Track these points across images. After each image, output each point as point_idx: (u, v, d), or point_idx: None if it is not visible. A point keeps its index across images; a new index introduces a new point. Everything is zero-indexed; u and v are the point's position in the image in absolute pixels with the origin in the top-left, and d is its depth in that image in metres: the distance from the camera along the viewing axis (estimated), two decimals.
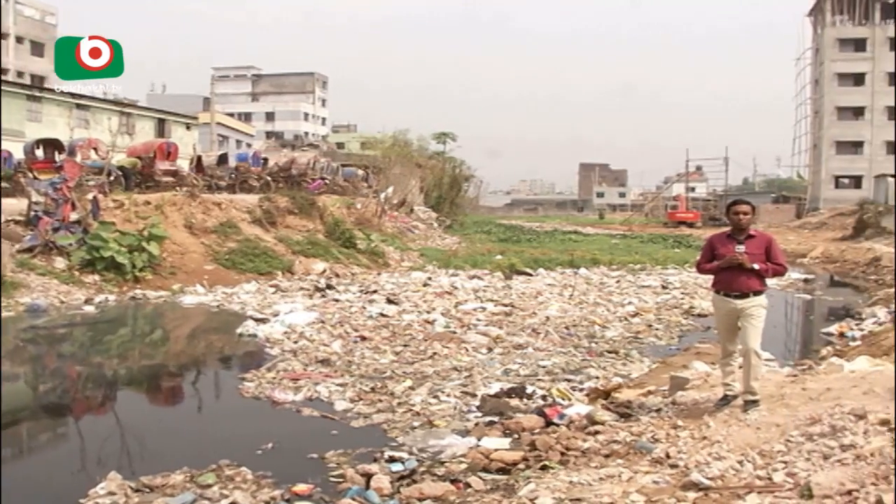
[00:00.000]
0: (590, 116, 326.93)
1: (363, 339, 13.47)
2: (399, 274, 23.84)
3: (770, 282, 7.79)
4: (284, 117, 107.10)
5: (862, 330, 15.36)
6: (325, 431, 8.39)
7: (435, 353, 12.41)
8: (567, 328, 15.25)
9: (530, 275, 24.49)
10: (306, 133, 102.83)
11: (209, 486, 6.55)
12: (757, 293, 7.35)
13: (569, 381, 10.87)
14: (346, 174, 42.76)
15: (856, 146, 74.97)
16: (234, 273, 21.08)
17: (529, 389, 9.91)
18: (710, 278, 7.79)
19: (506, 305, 17.63)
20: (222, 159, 34.39)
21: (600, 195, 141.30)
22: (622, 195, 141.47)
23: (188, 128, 53.98)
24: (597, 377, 11.16)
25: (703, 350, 12.89)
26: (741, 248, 7.34)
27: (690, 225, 70.22)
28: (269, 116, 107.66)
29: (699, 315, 17.44)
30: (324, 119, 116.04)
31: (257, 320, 15.00)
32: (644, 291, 21.53)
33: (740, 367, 7.42)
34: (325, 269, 22.98)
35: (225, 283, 20.07)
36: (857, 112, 74.98)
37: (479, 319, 15.73)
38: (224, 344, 14.28)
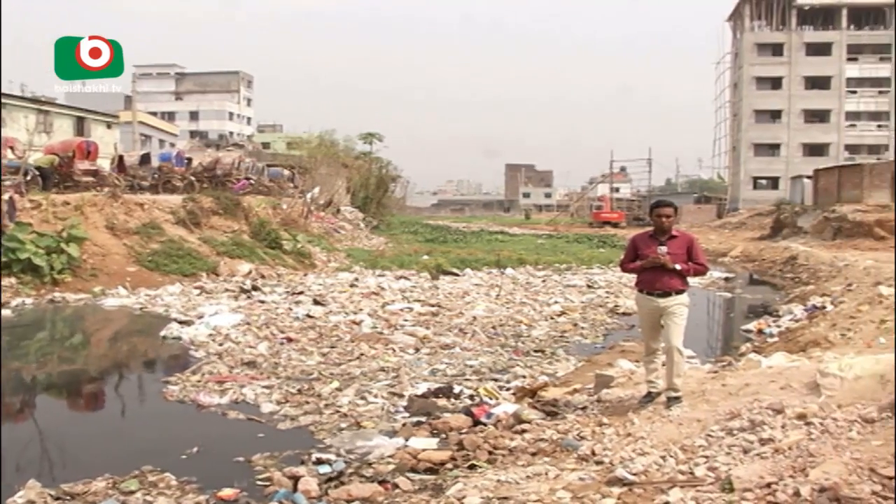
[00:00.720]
0: (515, 118, 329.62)
1: (290, 340, 13.34)
2: (326, 275, 23.69)
3: (692, 280, 7.95)
4: (209, 116, 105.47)
5: (779, 327, 15.77)
6: (252, 434, 8.29)
7: (362, 354, 12.34)
8: (494, 328, 15.32)
9: (457, 275, 24.55)
10: (231, 133, 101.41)
11: (132, 492, 6.42)
12: (679, 292, 7.48)
13: (496, 380, 10.92)
14: (272, 174, 42.29)
15: (773, 148, 76.99)
16: (157, 275, 20.67)
17: (457, 389, 9.93)
18: (634, 277, 7.90)
19: (433, 306, 17.64)
20: (144, 159, 33.71)
21: (526, 196, 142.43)
22: (548, 196, 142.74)
23: (109, 126, 52.71)
24: (523, 376, 11.23)
25: (627, 348, 13.08)
26: (663, 248, 7.45)
27: (615, 225, 71.19)
28: (193, 115, 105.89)
29: (624, 314, 17.69)
30: (249, 119, 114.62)
31: (181, 323, 14.74)
32: (570, 291, 21.77)
33: (663, 365, 7.55)
34: (250, 270, 22.70)
35: (148, 284, 19.68)
36: (775, 115, 77.02)
37: (406, 320, 15.71)
38: (147, 347, 14.00)
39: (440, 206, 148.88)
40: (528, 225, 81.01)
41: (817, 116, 76.28)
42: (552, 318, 16.92)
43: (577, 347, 14.00)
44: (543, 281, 24.12)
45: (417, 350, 12.92)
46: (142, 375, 12.34)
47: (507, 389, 10.27)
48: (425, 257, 29.10)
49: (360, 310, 16.63)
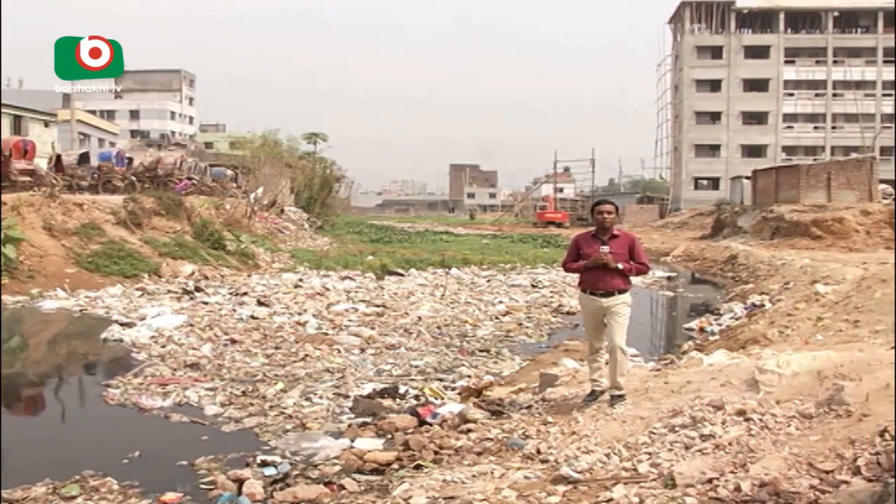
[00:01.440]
0: (459, 118, 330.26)
1: (233, 342, 13.20)
2: (270, 275, 23.48)
3: (635, 280, 8.04)
4: (150, 116, 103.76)
5: (720, 325, 16.04)
6: (195, 437, 8.19)
7: (307, 355, 12.27)
8: (439, 328, 15.36)
9: (402, 275, 24.52)
10: (173, 132, 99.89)
11: (73, 497, 6.30)
12: (621, 291, 7.54)
13: (441, 380, 10.96)
14: (215, 174, 41.81)
15: (713, 149, 78.34)
16: (97, 276, 20.27)
17: (402, 389, 9.92)
18: (577, 277, 7.95)
19: (378, 306, 17.61)
20: (84, 158, 33.05)
21: (471, 196, 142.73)
22: (493, 196, 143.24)
23: (47, 125, 51.54)
24: (469, 376, 11.27)
25: (571, 347, 13.20)
26: (605, 248, 7.50)
27: (559, 225, 71.69)
28: (134, 114, 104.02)
29: (568, 313, 17.83)
30: (191, 118, 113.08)
31: (123, 325, 14.48)
32: (514, 290, 21.88)
33: (607, 364, 7.62)
34: (193, 271, 22.41)
35: (88, 286, 19.29)
36: (715, 117, 78.41)
37: (351, 320, 15.66)
38: (87, 350, 13.72)
39: (385, 206, 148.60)
40: (473, 225, 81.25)
41: (756, 118, 77.81)
42: (497, 318, 17.01)
43: (521, 347, 14.08)
44: (488, 281, 24.22)
45: (363, 351, 12.89)
46: (82, 379, 12.08)
47: (453, 389, 10.29)
48: (370, 257, 29.00)
49: (305, 311, 16.53)
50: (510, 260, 30.74)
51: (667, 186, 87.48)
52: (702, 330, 15.87)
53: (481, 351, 13.34)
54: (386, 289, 20.93)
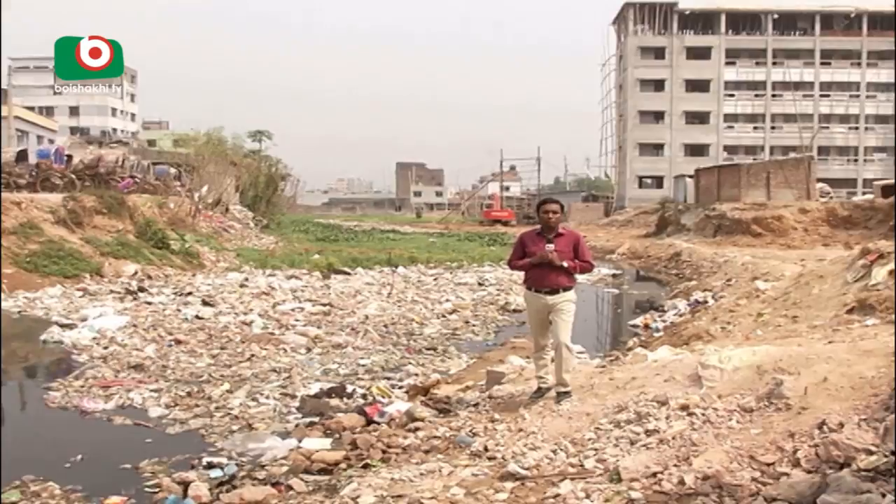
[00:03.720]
0: (404, 116, 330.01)
1: (178, 342, 13.05)
2: (215, 275, 23.23)
3: (580, 277, 8.12)
4: (90, 112, 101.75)
5: (664, 321, 16.27)
6: (140, 440, 8.09)
7: (253, 355, 12.21)
8: (386, 326, 15.38)
9: (349, 274, 24.45)
10: (114, 129, 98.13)
11: (14, 503, 6.18)
12: (566, 289, 7.60)
13: (388, 378, 10.99)
14: (158, 172, 41.19)
15: (657, 148, 79.23)
16: (36, 277, 19.83)
17: (349, 388, 9.91)
18: (523, 274, 8.00)
19: (324, 305, 17.55)
20: (21, 156, 32.29)
21: (417, 194, 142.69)
22: (439, 194, 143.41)
23: None
24: (416, 374, 11.32)
25: (518, 345, 13.30)
26: (551, 246, 7.55)
27: (505, 223, 71.93)
28: (74, 111, 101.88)
29: (514, 311, 17.95)
30: (133, 115, 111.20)
31: (63, 326, 14.20)
32: (461, 289, 21.96)
33: (553, 361, 7.68)
34: (136, 271, 22.06)
35: (27, 287, 18.86)
36: (658, 116, 79.24)
37: (297, 320, 15.62)
38: (27, 352, 13.42)
39: (331, 204, 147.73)
40: (420, 223, 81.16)
41: (698, 118, 78.84)
42: (444, 316, 17.08)
43: (468, 345, 14.17)
44: (435, 279, 24.26)
45: (309, 350, 12.87)
46: (21, 381, 11.83)
47: (400, 388, 10.33)
48: (316, 256, 28.86)
49: (251, 310, 16.41)
50: (457, 258, 30.82)
51: (612, 185, 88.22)
52: (646, 326, 16.08)
53: (428, 349, 13.40)
54: (332, 288, 20.84)
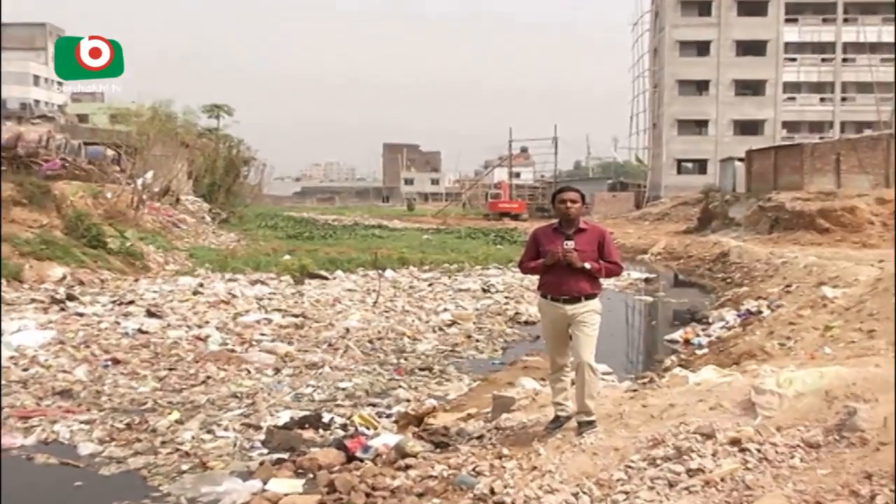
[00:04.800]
0: (398, 95, 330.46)
1: (116, 362, 13.03)
2: (163, 280, 23.22)
3: (605, 282, 8.08)
4: (7, 80, 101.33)
5: (709, 336, 16.26)
6: (67, 482, 8.07)
7: (209, 377, 12.22)
8: (371, 342, 15.42)
9: (326, 278, 24.45)
10: (37, 101, 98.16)
11: None
12: (589, 297, 7.55)
13: (374, 405, 11.00)
14: (92, 155, 41.17)
15: (700, 125, 78.77)
16: None
17: (326, 417, 9.91)
18: (537, 279, 7.96)
19: (296, 316, 17.58)
20: None
21: (409, 182, 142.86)
22: (435, 182, 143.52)
23: None
24: (407, 400, 11.32)
25: (531, 364, 13.26)
26: (570, 243, 7.49)
27: (515, 217, 71.87)
28: None
29: (526, 323, 17.97)
30: (60, 83, 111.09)
31: None
32: (462, 296, 21.98)
33: (573, 384, 7.65)
34: (64, 275, 22.04)
35: None
36: (702, 86, 78.62)
37: (263, 334, 15.64)
38: None
39: (305, 194, 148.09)
40: (412, 217, 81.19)
41: (751, 88, 78.26)
42: (441, 329, 17.11)
43: (471, 364, 14.18)
44: (430, 284, 24.29)
45: (278, 371, 12.88)
46: None
47: (388, 416, 10.33)
48: (287, 257, 28.86)
49: (207, 322, 16.43)
50: (456, 259, 30.83)
51: (644, 170, 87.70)
52: (687, 342, 16.07)
53: (422, 369, 13.41)
54: (306, 295, 20.85)
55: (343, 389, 11.82)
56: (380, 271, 25.71)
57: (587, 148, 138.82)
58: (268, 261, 27.86)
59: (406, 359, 14.21)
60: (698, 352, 14.87)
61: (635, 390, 9.01)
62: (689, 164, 78.51)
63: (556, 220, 7.80)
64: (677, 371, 10.33)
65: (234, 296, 19.93)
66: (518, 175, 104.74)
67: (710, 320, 18.00)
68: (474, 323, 17.95)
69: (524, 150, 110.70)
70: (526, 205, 78.70)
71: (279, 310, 18.34)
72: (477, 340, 16.19)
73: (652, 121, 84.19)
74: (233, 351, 14.03)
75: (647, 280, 28.17)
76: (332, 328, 16.53)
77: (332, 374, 12.78)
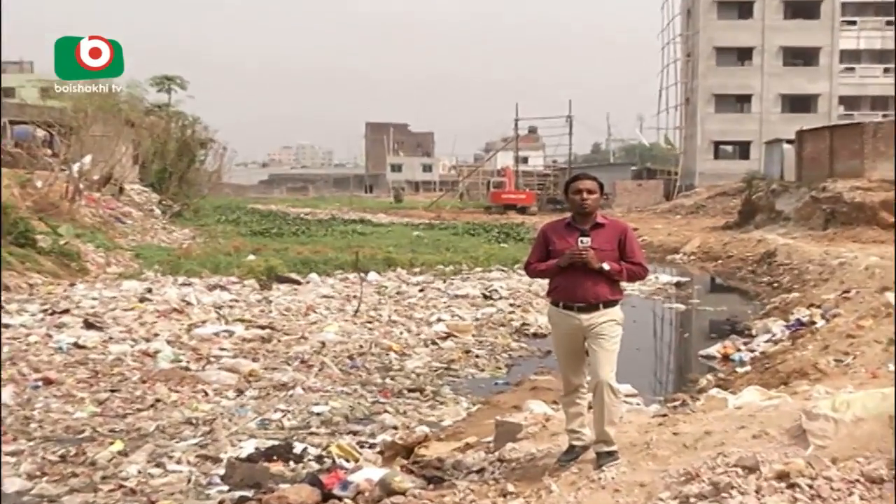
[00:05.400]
0: (382, 56, 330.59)
1: (48, 382, 13.02)
2: (103, 285, 23.21)
3: (628, 287, 8.09)
4: None
5: (752, 351, 16.29)
6: None
7: (158, 401, 12.23)
8: (351, 358, 15.45)
9: (298, 283, 24.48)
10: None
11: None
12: (608, 304, 7.50)
13: (355, 433, 11.03)
14: (19, 135, 41.23)
15: (742, 101, 78.22)
16: None
17: (298, 448, 9.92)
18: (546, 283, 7.93)
19: (263, 327, 17.63)
20: None
21: (396, 168, 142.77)
22: (427, 168, 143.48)
23: None
24: (394, 427, 11.34)
25: (540, 384, 13.27)
26: (586, 240, 7.44)
27: (522, 210, 72.03)
28: None
29: (535, 335, 18.03)
30: None
31: None
32: (459, 303, 22.03)
33: (591, 408, 7.65)
34: None
35: None
36: (744, 54, 78.17)
37: (223, 349, 15.68)
38: None
39: (273, 183, 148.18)
40: (400, 210, 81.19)
41: (802, 57, 77.96)
42: (434, 343, 17.18)
43: (469, 384, 14.24)
44: (421, 290, 24.32)
45: (240, 392, 12.91)
46: None
47: (372, 446, 10.34)
48: (251, 258, 28.87)
49: (156, 335, 16.45)
50: (453, 260, 30.90)
51: (675, 155, 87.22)
52: (726, 358, 16.11)
53: (412, 391, 13.44)
54: (274, 303, 20.87)
55: (318, 414, 11.82)
56: (362, 274, 25.71)
57: (607, 128, 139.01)
58: (228, 262, 27.86)
59: (393, 378, 14.24)
60: (739, 370, 14.90)
61: (664, 415, 9.02)
62: (729, 148, 78.29)
63: (569, 213, 7.78)
64: (714, 392, 10.35)
65: (188, 303, 19.92)
66: (526, 160, 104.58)
67: (754, 332, 18.02)
68: (473, 335, 17.98)
69: (533, 130, 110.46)
70: (535, 196, 78.66)
71: (242, 320, 18.37)
72: (477, 356, 16.22)
73: (685, 96, 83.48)
74: (187, 369, 14.05)
75: (678, 284, 28.21)
76: (304, 342, 16.56)
77: (305, 396, 12.78)
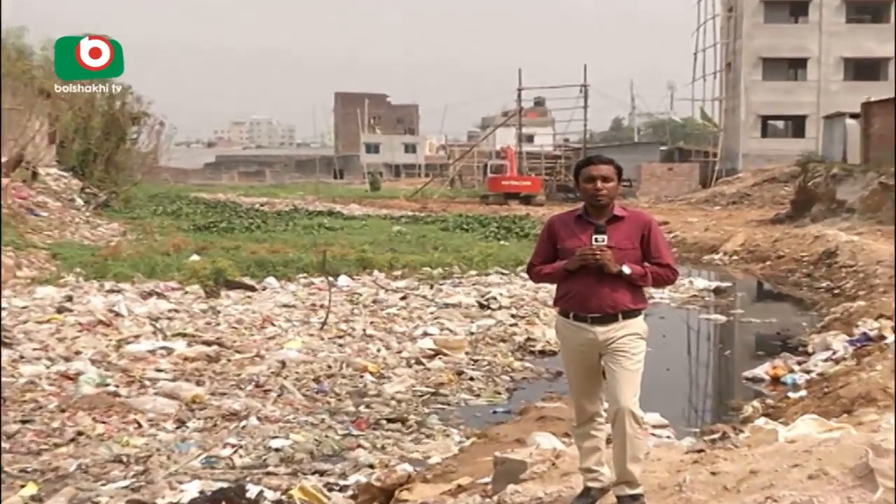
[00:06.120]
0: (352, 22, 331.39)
1: None
2: (13, 292, 23.23)
3: (654, 293, 8.11)
4: None
5: (808, 372, 16.30)
6: None
7: (80, 434, 12.22)
8: (318, 381, 15.49)
9: (252, 289, 24.49)
10: None
11: None
12: (629, 314, 7.42)
13: (322, 473, 11.06)
14: None
15: (795, 66, 78.14)
16: None
17: (253, 491, 9.91)
18: (553, 289, 7.91)
19: (209, 344, 17.62)
20: None
21: (373, 149, 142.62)
22: (410, 149, 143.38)
23: None
24: (370, 465, 11.36)
25: (548, 413, 13.29)
26: (601, 238, 7.38)
27: (527, 199, 71.87)
28: None
29: (542, 352, 18.05)
30: None
31: None
32: (449, 314, 22.03)
33: (610, 442, 7.66)
34: None
35: None
36: (798, 8, 78.15)
37: (160, 370, 15.65)
38: None
39: (221, 166, 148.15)
40: (377, 200, 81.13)
41: (869, 12, 78.00)
42: (419, 363, 17.15)
43: (462, 412, 14.28)
44: (404, 298, 24.32)
45: (182, 423, 12.92)
46: None
47: (342, 489, 10.34)
48: (195, 258, 28.86)
49: (77, 353, 16.44)
50: (442, 261, 30.94)
51: (714, 132, 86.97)
52: (776, 381, 16.14)
53: (392, 420, 13.46)
54: (223, 313, 20.90)
55: (277, 450, 11.84)
56: (330, 278, 25.75)
57: (631, 100, 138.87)
58: (167, 264, 27.84)
59: (368, 406, 14.24)
60: (792, 395, 14.90)
61: (701, 451, 9.06)
62: (780, 124, 78.34)
63: (580, 204, 7.71)
64: (762, 423, 10.38)
65: (117, 314, 19.92)
66: (531, 139, 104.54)
67: (810, 349, 18.04)
68: (467, 353, 17.96)
69: (540, 102, 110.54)
70: (542, 182, 78.66)
71: (184, 335, 18.39)
72: (471, 379, 16.22)
73: (725, 60, 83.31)
74: (116, 395, 14.01)
75: (717, 291, 28.25)
76: (260, 361, 16.57)
77: (261, 427, 12.79)
